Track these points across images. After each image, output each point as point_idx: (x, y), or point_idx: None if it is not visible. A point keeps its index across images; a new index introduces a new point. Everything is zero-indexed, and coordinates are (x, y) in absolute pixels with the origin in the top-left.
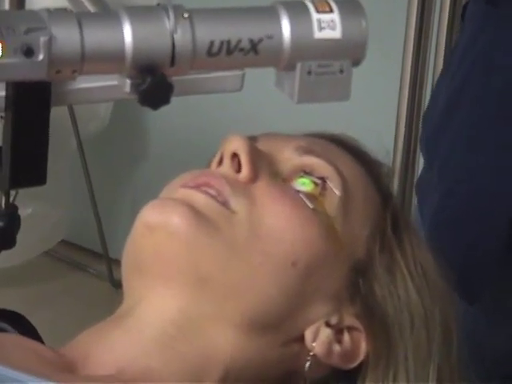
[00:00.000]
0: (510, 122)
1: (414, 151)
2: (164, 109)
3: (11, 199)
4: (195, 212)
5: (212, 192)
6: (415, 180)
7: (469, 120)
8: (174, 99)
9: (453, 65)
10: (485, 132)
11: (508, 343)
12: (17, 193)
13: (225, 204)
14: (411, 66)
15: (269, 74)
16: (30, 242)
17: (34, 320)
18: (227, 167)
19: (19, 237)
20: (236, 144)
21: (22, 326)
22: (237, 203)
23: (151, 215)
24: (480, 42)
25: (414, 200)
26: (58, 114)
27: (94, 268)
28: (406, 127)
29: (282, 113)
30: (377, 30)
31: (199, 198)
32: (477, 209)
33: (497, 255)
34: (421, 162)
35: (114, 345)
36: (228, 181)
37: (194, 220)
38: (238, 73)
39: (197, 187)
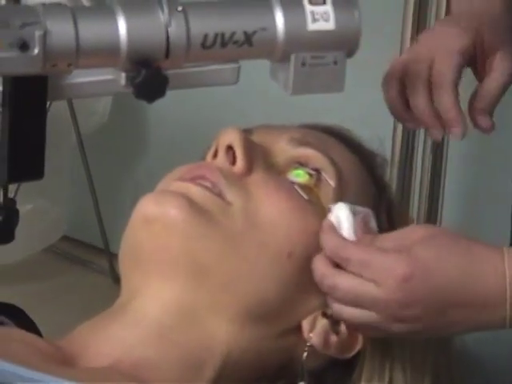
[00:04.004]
0: None
1: (413, 142)
2: (163, 103)
3: (12, 195)
4: (192, 203)
5: (207, 184)
6: (413, 171)
7: None
8: (173, 93)
9: None
10: None
11: None
12: (18, 188)
13: (220, 195)
14: None
15: (266, 66)
16: (30, 237)
17: (35, 316)
18: (222, 160)
19: (20, 233)
20: (230, 136)
21: (20, 319)
22: (232, 195)
23: (148, 207)
24: None
25: (414, 190)
26: (57, 110)
27: (95, 263)
28: None
29: (279, 105)
30: (373, 20)
31: (195, 190)
32: None
33: None
34: (419, 153)
35: (112, 336)
36: (223, 173)
37: (191, 211)
38: (233, 65)
39: (192, 180)
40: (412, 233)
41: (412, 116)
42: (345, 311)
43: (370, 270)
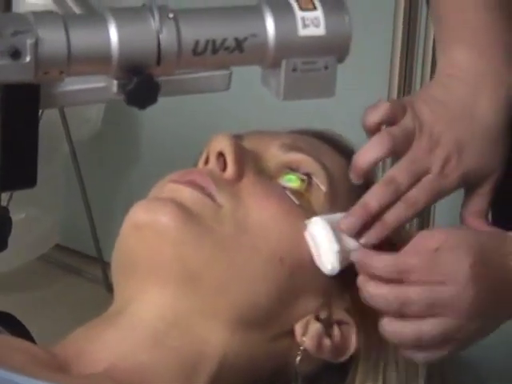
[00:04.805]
0: None
1: None
2: (156, 111)
3: (5, 203)
4: (183, 210)
5: (198, 188)
6: None
7: None
8: (165, 102)
9: None
10: None
11: None
12: (10, 197)
13: (211, 198)
14: (400, 62)
15: (257, 73)
16: (23, 246)
17: (28, 325)
18: (213, 166)
19: (13, 242)
20: (221, 143)
21: (14, 327)
22: (222, 199)
23: (139, 215)
24: None
25: None
26: (49, 119)
27: (88, 272)
28: None
29: (273, 110)
30: (364, 25)
31: (186, 193)
32: None
33: None
34: None
35: (106, 342)
36: (214, 179)
37: (182, 218)
38: (224, 72)
39: (184, 183)
40: (430, 239)
41: None
42: (423, 326)
43: (437, 270)
